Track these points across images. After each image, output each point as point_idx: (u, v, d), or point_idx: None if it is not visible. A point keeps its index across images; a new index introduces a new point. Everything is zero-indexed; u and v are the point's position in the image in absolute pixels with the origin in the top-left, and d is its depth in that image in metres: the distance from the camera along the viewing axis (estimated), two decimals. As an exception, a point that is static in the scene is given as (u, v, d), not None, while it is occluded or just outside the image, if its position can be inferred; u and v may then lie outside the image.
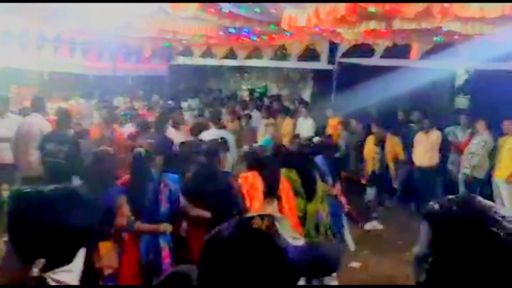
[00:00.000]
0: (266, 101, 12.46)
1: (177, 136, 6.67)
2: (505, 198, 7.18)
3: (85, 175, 3.98)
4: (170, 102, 11.10)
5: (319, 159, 5.51)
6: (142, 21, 7.33)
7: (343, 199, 5.67)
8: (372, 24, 5.78)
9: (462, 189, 7.72)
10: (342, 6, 5.05)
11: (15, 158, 6.75)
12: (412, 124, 8.91)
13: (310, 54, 10.06)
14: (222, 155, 4.26)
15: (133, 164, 3.87)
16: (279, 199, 2.87)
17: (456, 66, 10.09)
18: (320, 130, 9.76)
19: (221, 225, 1.48)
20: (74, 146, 6.18)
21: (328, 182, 5.27)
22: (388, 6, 4.95)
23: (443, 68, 9.82)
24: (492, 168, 7.43)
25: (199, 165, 4.24)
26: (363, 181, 7.58)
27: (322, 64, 9.47)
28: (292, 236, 1.91)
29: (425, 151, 7.89)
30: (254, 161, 3.87)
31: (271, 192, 3.62)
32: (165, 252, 3.80)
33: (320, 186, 4.70)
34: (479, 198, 1.24)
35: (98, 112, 8.46)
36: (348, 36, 6.95)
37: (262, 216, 1.35)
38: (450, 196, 1.26)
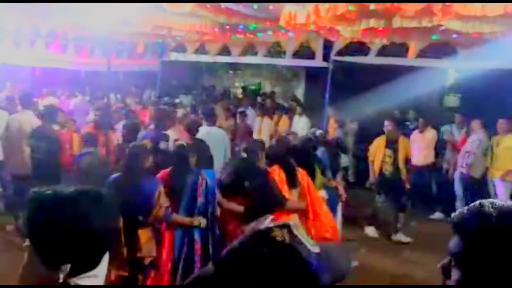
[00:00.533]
0: (260, 99, 12.42)
1: (171, 133, 6.62)
2: (500, 196, 7.24)
3: (123, 169, 4.07)
4: (166, 98, 11.02)
5: (320, 153, 5.62)
6: (137, 17, 7.23)
7: (341, 190, 5.87)
8: (372, 22, 5.75)
9: (458, 187, 7.78)
10: (342, 4, 5.02)
11: (5, 155, 6.64)
12: (407, 123, 8.96)
13: (304, 51, 10.02)
14: (260, 154, 4.45)
15: (175, 157, 4.09)
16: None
17: (450, 65, 10.12)
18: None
19: (239, 240, 1.33)
20: (54, 143, 6.09)
21: (328, 175, 5.41)
22: (388, 3, 4.93)
23: (438, 66, 9.86)
24: (487, 166, 7.50)
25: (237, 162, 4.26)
26: (370, 186, 7.21)
27: (317, 62, 9.43)
28: (310, 242, 1.87)
29: (420, 150, 7.93)
30: (276, 155, 4.26)
31: (292, 182, 4.12)
32: (198, 245, 3.95)
33: (319, 179, 5.10)
34: (500, 202, 1.14)
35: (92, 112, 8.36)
36: (347, 34, 6.92)
37: (280, 226, 1.28)
38: (483, 202, 1.15)
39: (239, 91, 14.74)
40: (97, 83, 12.24)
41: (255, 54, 11.04)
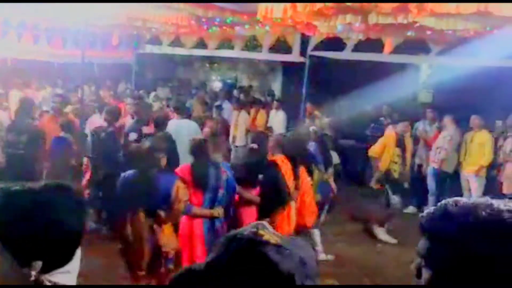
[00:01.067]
0: (236, 92, 12.38)
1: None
2: (473, 191, 7.42)
3: (143, 163, 4.08)
4: (141, 91, 10.89)
5: (312, 148, 5.79)
6: (111, 8, 7.10)
7: (333, 185, 6.12)
8: (349, 18, 5.78)
9: (430, 182, 7.92)
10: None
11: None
12: (381, 118, 9.07)
13: (281, 46, 10.02)
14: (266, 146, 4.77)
15: (197, 150, 4.25)
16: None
17: (425, 61, 10.28)
18: (292, 123, 9.79)
19: (222, 247, 1.16)
20: (34, 136, 5.97)
21: (320, 169, 5.87)
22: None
23: (411, 63, 10.02)
24: (459, 162, 7.66)
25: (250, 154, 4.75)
26: (375, 186, 6.84)
27: (293, 57, 9.44)
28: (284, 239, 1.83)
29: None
30: (281, 146, 4.74)
31: (296, 174, 4.78)
32: (220, 233, 4.14)
33: (316, 174, 5.67)
34: (464, 199, 1.13)
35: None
36: (323, 29, 6.94)
37: (256, 227, 1.21)
38: (447, 202, 1.13)
39: (215, 85, 14.66)
40: (70, 75, 12.00)
41: (232, 47, 10.99)
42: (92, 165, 6.64)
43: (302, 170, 4.95)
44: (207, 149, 4.28)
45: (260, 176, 4.52)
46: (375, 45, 8.41)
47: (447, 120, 7.84)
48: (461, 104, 9.00)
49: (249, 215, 4.47)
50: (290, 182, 4.63)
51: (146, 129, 6.62)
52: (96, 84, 12.59)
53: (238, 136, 9.24)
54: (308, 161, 5.41)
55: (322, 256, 5.73)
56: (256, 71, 14.33)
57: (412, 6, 4.90)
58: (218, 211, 4.23)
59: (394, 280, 5.28)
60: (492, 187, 7.41)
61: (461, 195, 7.75)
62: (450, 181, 7.97)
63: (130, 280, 4.18)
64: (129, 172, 4.10)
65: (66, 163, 6.31)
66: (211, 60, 14.60)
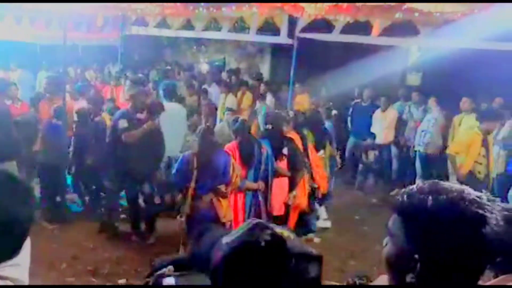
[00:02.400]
0: (225, 75, 12.25)
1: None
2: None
3: (199, 146, 4.58)
4: (128, 74, 10.73)
5: (328, 126, 6.84)
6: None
7: (338, 160, 6.85)
8: (336, -1, 5.70)
9: (417, 165, 7.94)
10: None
11: None
12: (357, 100, 9.03)
13: (269, 27, 9.89)
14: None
15: (241, 130, 4.76)
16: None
17: (413, 43, 10.22)
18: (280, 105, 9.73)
19: (240, 238, 1.18)
20: (5, 123, 5.83)
21: (332, 145, 6.60)
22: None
23: (399, 45, 9.94)
24: (445, 144, 7.67)
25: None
26: None
27: (281, 38, 9.32)
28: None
29: (381, 128, 8.04)
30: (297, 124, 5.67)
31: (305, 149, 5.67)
32: (263, 206, 4.69)
33: (328, 149, 6.38)
34: (447, 183, 1.16)
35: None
36: (311, 11, 6.84)
37: (257, 225, 1.21)
38: (417, 185, 1.17)
39: (203, 67, 14.50)
40: (54, 57, 11.76)
41: (219, 29, 10.83)
42: (76, 151, 6.58)
43: (310, 146, 5.60)
44: (249, 129, 4.84)
45: (285, 150, 5.07)
46: (363, 27, 8.32)
47: (432, 101, 7.84)
48: (449, 87, 9.00)
49: (282, 186, 5.04)
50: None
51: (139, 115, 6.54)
52: (82, 66, 12.38)
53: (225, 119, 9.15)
54: (324, 137, 6.23)
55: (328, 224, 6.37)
56: (244, 53, 14.17)
57: (400, -13, 4.83)
58: (262, 184, 4.72)
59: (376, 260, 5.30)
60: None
61: (448, 178, 7.81)
62: (437, 164, 7.99)
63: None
64: (188, 152, 4.71)
65: (59, 148, 6.25)
66: (199, 42, 14.40)
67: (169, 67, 13.75)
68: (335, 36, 8.66)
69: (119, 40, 12.08)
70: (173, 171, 4.84)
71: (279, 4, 6.93)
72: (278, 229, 1.18)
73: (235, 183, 4.49)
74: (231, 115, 6.69)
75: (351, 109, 8.99)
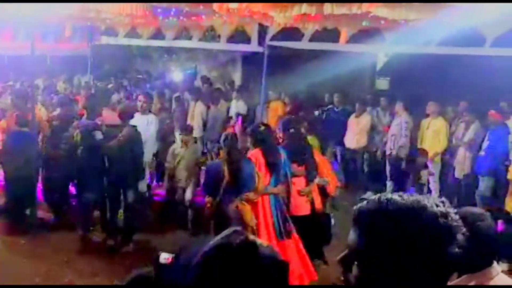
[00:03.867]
0: (197, 83, 12.26)
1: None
2: (430, 177, 7.65)
3: (228, 154, 4.89)
4: (98, 83, 10.63)
5: None
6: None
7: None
8: (304, 8, 5.79)
9: (388, 168, 8.12)
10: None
11: None
12: (330, 106, 9.19)
13: (240, 36, 9.97)
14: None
15: (264, 138, 4.96)
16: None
17: (379, 50, 10.46)
18: (252, 112, 9.81)
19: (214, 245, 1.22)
20: None
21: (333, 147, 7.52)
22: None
23: (367, 52, 10.17)
24: (415, 147, 7.87)
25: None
26: None
27: (252, 47, 9.41)
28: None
29: (354, 134, 8.19)
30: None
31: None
32: (285, 207, 4.93)
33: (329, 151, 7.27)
34: (406, 195, 1.13)
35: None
36: (280, 20, 6.94)
37: (236, 232, 1.28)
38: (380, 197, 1.14)
39: (175, 76, 14.46)
40: (22, 68, 11.55)
41: (190, 38, 10.84)
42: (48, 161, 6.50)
43: (315, 150, 5.82)
44: (271, 137, 5.09)
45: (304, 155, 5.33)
46: (332, 34, 8.49)
47: (399, 106, 8.04)
48: (416, 91, 9.25)
49: (302, 185, 5.25)
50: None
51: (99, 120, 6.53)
52: (50, 76, 12.19)
53: (195, 127, 9.16)
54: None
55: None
56: (216, 61, 14.21)
57: (364, -4, 4.97)
58: (283, 188, 4.99)
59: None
60: (446, 172, 7.68)
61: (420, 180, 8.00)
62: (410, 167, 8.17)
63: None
64: (216, 161, 5.26)
65: (26, 158, 6.12)
66: (170, 50, 14.37)
67: (140, 76, 13.68)
68: (304, 44, 8.80)
69: (88, 50, 11.96)
70: (203, 181, 5.26)
71: (248, 13, 6.99)
72: (252, 237, 1.23)
73: (261, 190, 4.75)
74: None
75: (324, 115, 9.12)
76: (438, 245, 1.05)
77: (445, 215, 1.08)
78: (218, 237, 1.22)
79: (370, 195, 8.06)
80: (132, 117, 6.11)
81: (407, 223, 1.06)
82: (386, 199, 1.12)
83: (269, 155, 4.89)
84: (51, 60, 13.39)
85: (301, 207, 5.20)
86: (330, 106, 9.22)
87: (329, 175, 5.76)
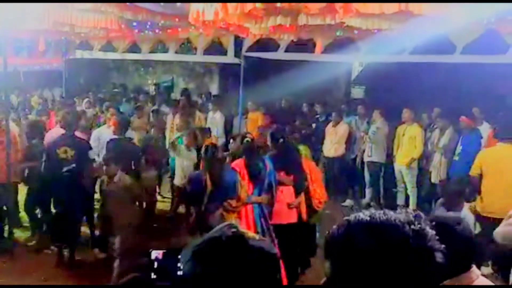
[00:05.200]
0: (174, 95, 12.22)
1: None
2: (407, 182, 7.79)
3: (210, 165, 4.90)
4: (75, 98, 10.50)
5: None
6: (34, 13, 6.78)
7: None
8: (279, 20, 5.87)
9: (366, 175, 8.22)
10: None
11: None
12: (317, 116, 9.30)
13: (216, 47, 10.01)
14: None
15: (248, 149, 5.11)
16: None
17: (354, 59, 10.63)
18: (229, 124, 9.82)
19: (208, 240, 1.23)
20: None
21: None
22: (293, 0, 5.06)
23: (342, 61, 10.33)
24: (391, 153, 7.99)
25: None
26: None
27: (228, 58, 9.46)
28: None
29: (332, 143, 8.27)
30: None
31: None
32: (268, 218, 4.94)
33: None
34: (378, 213, 1.08)
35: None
36: (255, 31, 7.00)
37: (230, 226, 1.29)
38: (345, 220, 1.10)
39: (151, 89, 14.40)
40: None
41: (166, 50, 10.84)
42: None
43: (306, 159, 5.77)
44: (255, 149, 5.16)
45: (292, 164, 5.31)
46: (308, 44, 8.61)
47: (376, 114, 8.17)
48: (391, 99, 9.41)
49: (290, 194, 5.22)
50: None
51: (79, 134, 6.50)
52: (23, 92, 12.00)
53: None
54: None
55: None
56: (192, 73, 14.21)
57: (338, 6, 5.05)
58: (266, 198, 4.99)
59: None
60: (422, 177, 7.80)
61: (395, 186, 8.12)
62: (385, 173, 8.29)
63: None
64: (198, 171, 5.22)
65: None
66: (146, 63, 14.32)
67: (116, 90, 13.57)
68: (280, 54, 8.90)
69: (63, 65, 11.83)
70: (187, 190, 5.29)
71: (224, 25, 7.03)
72: (244, 230, 1.25)
73: (243, 199, 4.82)
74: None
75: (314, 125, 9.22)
76: (413, 267, 1.00)
77: (420, 235, 1.03)
78: (212, 231, 1.24)
79: (350, 203, 8.21)
80: (127, 130, 6.15)
81: (378, 246, 1.01)
82: (355, 222, 1.07)
83: (251, 165, 4.95)
84: (24, 75, 13.16)
85: (288, 215, 5.18)
86: (317, 116, 9.31)
87: (320, 186, 5.72)
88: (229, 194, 4.76)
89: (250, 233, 1.24)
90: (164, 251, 1.32)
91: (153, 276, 1.33)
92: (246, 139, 5.30)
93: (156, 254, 1.32)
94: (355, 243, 1.03)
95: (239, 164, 5.01)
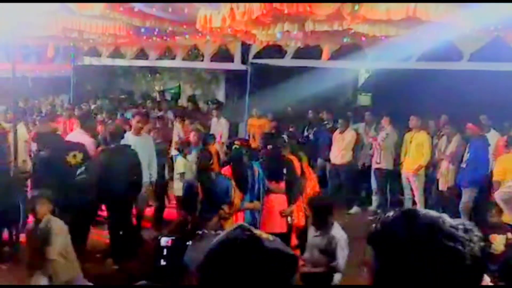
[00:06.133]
0: (181, 102, 12.26)
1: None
2: (415, 189, 7.73)
3: (199, 173, 5.07)
4: (82, 105, 10.56)
5: None
6: (43, 19, 6.85)
7: None
8: (286, 26, 5.89)
9: (373, 182, 8.19)
10: (257, 7, 5.09)
11: None
12: (325, 122, 9.28)
13: (223, 54, 10.06)
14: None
15: (235, 157, 5.05)
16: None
17: (361, 66, 10.64)
18: (234, 130, 9.83)
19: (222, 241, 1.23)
20: None
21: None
22: (301, 7, 5.07)
23: (348, 68, 10.34)
24: (398, 160, 7.96)
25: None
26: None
27: (235, 65, 9.50)
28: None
29: (339, 150, 8.24)
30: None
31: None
32: (259, 224, 4.94)
33: None
34: (423, 212, 1.10)
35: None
36: (262, 38, 7.03)
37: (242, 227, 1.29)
38: (391, 214, 1.12)
39: (158, 95, 14.46)
40: (3, 90, 11.42)
41: (173, 57, 10.90)
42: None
43: (305, 165, 5.89)
44: (242, 155, 5.05)
45: (285, 171, 5.27)
46: (314, 51, 8.62)
47: (385, 121, 8.14)
48: (398, 106, 9.38)
49: (280, 203, 5.17)
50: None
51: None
52: (32, 99, 12.07)
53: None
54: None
55: None
56: (199, 80, 14.26)
57: (345, 13, 5.06)
58: (258, 204, 4.99)
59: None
60: (430, 184, 7.76)
61: (402, 194, 8.08)
62: (391, 180, 8.25)
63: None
64: (190, 178, 5.31)
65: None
66: (153, 70, 14.39)
67: (123, 96, 13.63)
68: (287, 61, 8.92)
69: (71, 71, 11.92)
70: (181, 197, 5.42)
71: (231, 32, 7.07)
72: (259, 232, 1.23)
73: (237, 205, 4.84)
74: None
75: (315, 130, 9.19)
76: (451, 269, 1.01)
77: (459, 239, 1.03)
78: (224, 233, 1.23)
79: (356, 211, 8.17)
80: (122, 137, 6.06)
81: (423, 246, 1.03)
82: (397, 214, 1.10)
83: (237, 172, 4.93)
84: (33, 82, 13.27)
85: (275, 225, 5.01)
86: (325, 122, 9.28)
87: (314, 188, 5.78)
88: (221, 201, 4.78)
89: (264, 234, 1.23)
90: (173, 238, 1.32)
91: (162, 262, 1.34)
92: (234, 145, 5.21)
93: (165, 241, 1.32)
94: (400, 236, 1.04)
95: (226, 170, 5.03)
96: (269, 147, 5.43)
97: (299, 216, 5.35)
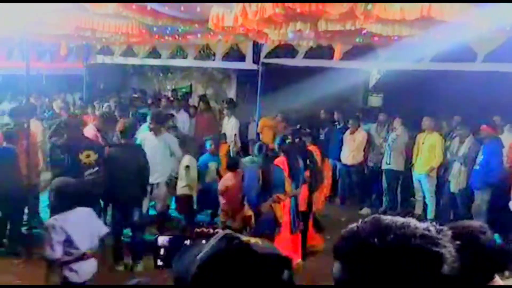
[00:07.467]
0: (193, 101, 12.30)
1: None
2: (426, 191, 7.68)
3: (263, 162, 5.90)
4: (95, 102, 10.63)
5: None
6: (55, 17, 6.90)
7: None
8: (298, 25, 5.86)
9: (384, 183, 8.14)
10: (269, 6, 5.07)
11: None
12: (335, 123, 9.24)
13: (234, 54, 10.07)
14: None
15: (287, 150, 5.88)
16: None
17: (373, 66, 10.57)
18: (244, 129, 9.83)
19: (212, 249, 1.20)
20: None
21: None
22: (314, 6, 5.04)
23: (360, 68, 10.28)
24: (410, 161, 7.90)
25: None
26: None
27: (247, 64, 9.50)
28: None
29: (350, 150, 8.21)
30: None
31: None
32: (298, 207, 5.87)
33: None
34: (389, 218, 1.07)
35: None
36: (274, 37, 7.01)
37: (228, 235, 1.28)
38: (356, 225, 1.09)
39: (170, 94, 14.50)
40: (17, 88, 11.55)
41: (185, 56, 10.93)
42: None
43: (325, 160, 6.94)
44: (294, 148, 5.99)
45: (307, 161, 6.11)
46: (326, 51, 8.59)
47: (397, 122, 8.09)
48: (409, 107, 9.31)
49: (305, 189, 6.11)
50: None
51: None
52: (45, 96, 12.19)
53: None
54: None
55: None
56: (211, 79, 14.27)
57: (359, 12, 5.02)
58: (300, 190, 5.90)
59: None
60: (441, 186, 7.68)
61: (413, 195, 8.02)
62: (402, 181, 8.19)
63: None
64: (254, 169, 5.94)
65: (10, 175, 5.97)
66: (165, 69, 14.45)
67: (135, 95, 13.69)
68: (298, 61, 8.90)
69: (84, 69, 12.01)
70: (244, 184, 6.08)
71: (243, 31, 7.07)
72: (245, 238, 1.21)
73: (289, 193, 5.62)
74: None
75: (326, 130, 9.16)
76: (418, 272, 0.99)
77: (432, 241, 1.01)
78: (210, 242, 1.19)
79: (367, 211, 8.12)
80: (134, 135, 6.11)
81: (386, 247, 1.01)
82: (370, 227, 1.07)
83: (291, 163, 5.74)
84: (46, 79, 13.40)
85: (302, 205, 6.08)
86: (336, 123, 9.24)
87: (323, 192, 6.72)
88: (278, 188, 5.51)
89: (252, 239, 1.20)
90: (171, 237, 1.31)
91: (159, 263, 1.33)
92: (288, 140, 6.05)
93: (162, 240, 1.31)
94: (365, 244, 1.02)
95: (280, 161, 5.71)
96: (297, 140, 6.27)
97: (319, 200, 6.43)
